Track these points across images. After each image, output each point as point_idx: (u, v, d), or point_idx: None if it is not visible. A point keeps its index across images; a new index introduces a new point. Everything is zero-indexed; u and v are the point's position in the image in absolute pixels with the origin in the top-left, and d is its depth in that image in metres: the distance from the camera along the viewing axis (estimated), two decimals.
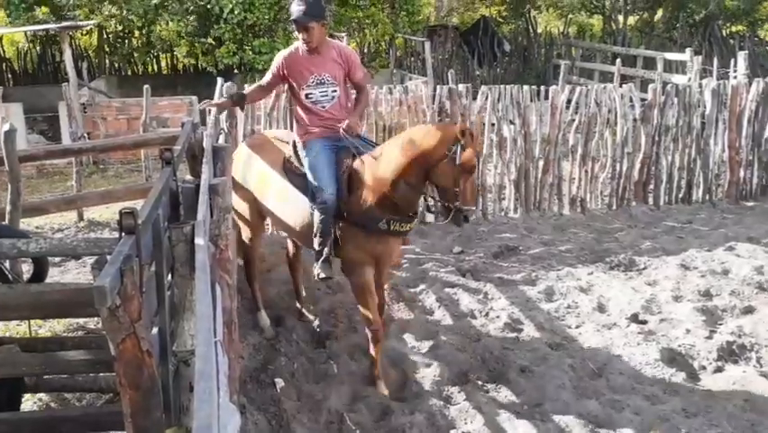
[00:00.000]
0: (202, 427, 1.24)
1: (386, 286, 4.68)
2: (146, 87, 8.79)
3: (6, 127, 5.18)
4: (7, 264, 3.93)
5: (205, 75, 14.02)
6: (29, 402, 3.86)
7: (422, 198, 4.23)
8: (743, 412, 3.82)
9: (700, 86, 8.51)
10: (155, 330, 2.39)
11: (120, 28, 15.82)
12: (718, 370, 4.32)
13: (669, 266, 6.06)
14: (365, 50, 17.08)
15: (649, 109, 8.05)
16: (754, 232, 7.16)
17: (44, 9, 13.36)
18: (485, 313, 5.19)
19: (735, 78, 9.88)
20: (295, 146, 4.43)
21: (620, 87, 8.47)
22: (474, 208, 4.16)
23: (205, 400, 1.32)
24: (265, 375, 4.20)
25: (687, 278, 5.77)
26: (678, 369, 4.30)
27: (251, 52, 12.39)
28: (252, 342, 4.59)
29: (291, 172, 4.39)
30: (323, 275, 4.15)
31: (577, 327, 4.98)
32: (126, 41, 16.55)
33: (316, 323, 5.01)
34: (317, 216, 4.08)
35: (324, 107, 4.29)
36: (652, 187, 8.35)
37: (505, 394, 4.08)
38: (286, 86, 4.55)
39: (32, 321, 4.52)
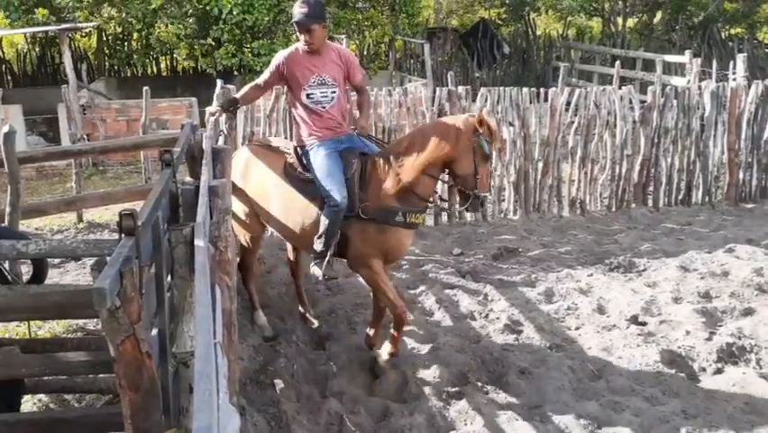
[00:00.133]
0: (201, 428, 1.24)
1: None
2: (146, 88, 8.79)
3: (6, 129, 5.19)
4: (7, 266, 3.93)
5: (204, 77, 14.04)
6: (28, 403, 3.86)
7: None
8: (743, 414, 3.82)
9: (700, 88, 8.52)
10: (155, 332, 2.39)
11: (119, 30, 15.85)
12: (718, 371, 4.31)
13: (668, 268, 6.06)
14: (365, 52, 17.10)
15: (648, 111, 8.05)
16: (754, 234, 7.16)
17: (43, 11, 13.35)
18: (485, 315, 5.19)
19: (734, 80, 9.89)
20: (297, 151, 4.44)
21: (619, 89, 8.48)
22: (490, 194, 4.33)
23: (204, 402, 1.32)
24: (265, 377, 4.20)
25: (686, 280, 5.78)
26: (678, 370, 4.30)
27: (249, 54, 12.40)
28: (252, 343, 4.59)
29: (294, 177, 4.39)
30: (327, 275, 4.21)
31: (577, 328, 4.98)
32: (125, 43, 16.57)
33: (315, 325, 5.00)
34: (327, 218, 4.11)
35: (324, 108, 4.33)
36: (651, 189, 8.36)
37: (504, 396, 4.08)
38: (285, 87, 4.58)
39: (32, 322, 4.52)
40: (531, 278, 5.92)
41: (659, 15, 20.33)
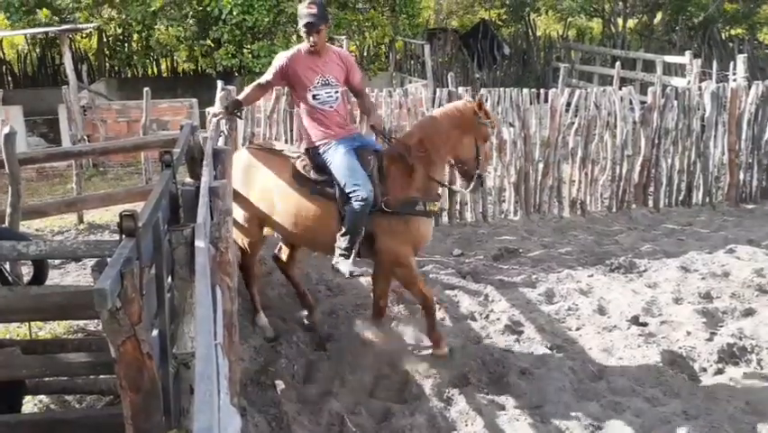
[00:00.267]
0: (202, 429, 1.24)
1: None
2: (146, 89, 8.80)
3: (6, 130, 5.19)
4: (7, 267, 3.93)
5: (205, 77, 14.04)
6: (29, 404, 3.86)
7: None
8: (744, 414, 3.81)
9: (700, 89, 8.51)
10: (155, 333, 2.39)
11: (119, 31, 15.86)
12: (719, 372, 4.31)
13: (669, 268, 6.06)
14: (365, 54, 17.10)
15: (649, 112, 8.05)
16: (754, 234, 7.16)
17: (47, 12, 13.37)
18: (485, 315, 5.19)
19: (734, 80, 9.89)
20: (309, 153, 4.44)
21: (620, 89, 8.48)
22: (489, 172, 4.39)
23: (205, 403, 1.32)
24: (265, 377, 4.20)
25: (687, 280, 5.77)
26: (678, 371, 4.30)
27: (249, 55, 12.41)
28: (253, 344, 4.59)
29: (306, 180, 4.39)
30: (355, 272, 4.27)
31: (577, 329, 4.98)
32: (126, 44, 16.57)
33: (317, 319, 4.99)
34: (353, 214, 4.15)
35: (332, 108, 4.40)
36: (652, 189, 8.36)
37: (505, 396, 4.07)
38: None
39: (33, 323, 4.51)
40: (531, 278, 5.92)
41: (659, 16, 20.32)
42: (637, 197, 8.23)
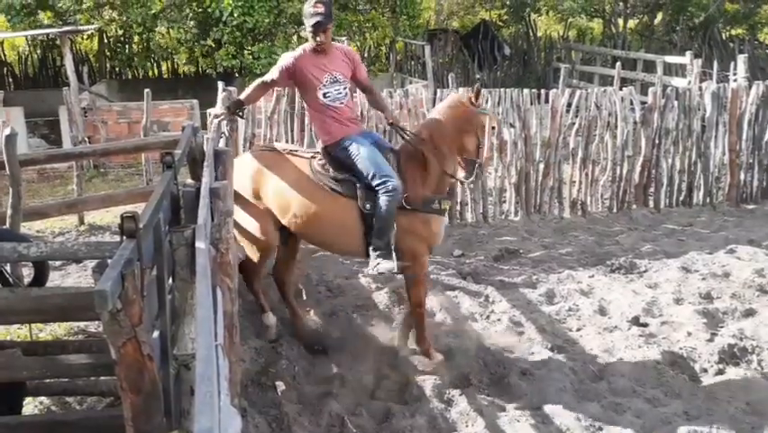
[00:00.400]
0: (203, 430, 1.24)
1: None
2: (147, 91, 8.80)
3: (7, 131, 5.19)
4: (8, 268, 3.93)
5: (205, 79, 14.06)
6: (30, 406, 3.86)
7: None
8: (744, 415, 3.82)
9: (700, 89, 8.51)
10: (156, 334, 2.39)
11: (120, 33, 15.87)
12: (720, 372, 4.31)
13: (670, 269, 6.06)
14: (365, 54, 17.11)
15: (649, 112, 8.05)
16: (755, 235, 7.16)
17: (48, 14, 13.39)
18: (486, 316, 5.19)
19: (735, 81, 9.88)
20: (326, 151, 4.42)
21: (620, 90, 8.48)
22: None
23: (205, 404, 1.32)
24: (266, 378, 4.20)
25: (688, 281, 5.77)
26: (679, 372, 4.29)
27: (250, 57, 12.41)
28: (253, 345, 4.58)
29: (325, 179, 4.34)
30: (393, 269, 4.24)
31: (578, 329, 4.98)
32: (127, 45, 16.59)
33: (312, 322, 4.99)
34: (383, 207, 4.14)
35: (342, 103, 4.41)
36: (652, 190, 8.36)
37: (506, 397, 4.08)
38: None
39: (33, 325, 4.52)
40: (532, 279, 5.92)
41: (660, 16, 20.32)
42: (638, 197, 8.23)
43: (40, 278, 3.81)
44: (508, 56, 19.37)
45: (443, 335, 4.83)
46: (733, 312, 5.13)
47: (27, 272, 4.86)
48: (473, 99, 4.41)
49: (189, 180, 4.07)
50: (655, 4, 19.53)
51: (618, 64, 14.18)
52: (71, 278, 6.08)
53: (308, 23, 4.27)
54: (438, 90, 7.59)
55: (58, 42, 14.81)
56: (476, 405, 3.91)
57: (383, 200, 4.14)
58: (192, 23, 13.04)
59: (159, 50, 13.77)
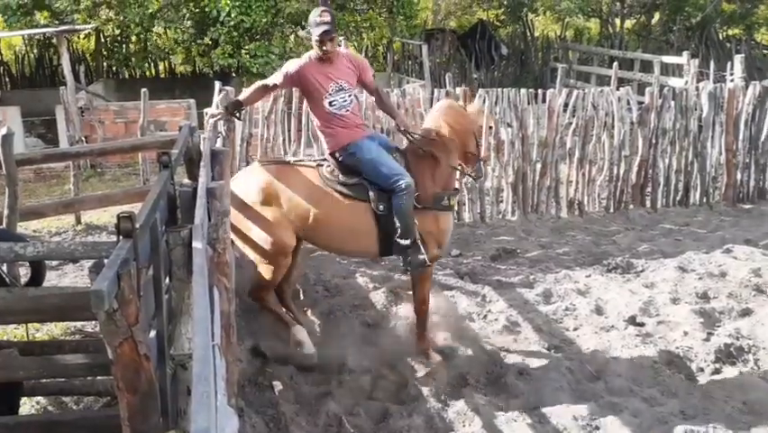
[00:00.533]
0: (200, 430, 1.24)
1: None
2: (144, 90, 8.79)
3: (4, 131, 5.18)
4: (5, 268, 3.92)
5: (202, 78, 14.05)
6: (27, 406, 3.86)
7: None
8: (741, 414, 3.82)
9: (697, 89, 8.53)
10: (153, 334, 2.39)
11: (117, 32, 15.85)
12: (716, 372, 4.32)
13: (666, 268, 6.07)
14: (363, 54, 17.11)
15: (646, 112, 8.06)
16: (751, 234, 7.17)
17: (45, 13, 13.36)
18: (483, 316, 5.19)
19: (731, 81, 9.91)
20: (335, 156, 4.41)
21: (617, 90, 8.49)
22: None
23: (202, 404, 1.32)
24: (263, 378, 4.19)
25: (684, 280, 5.78)
26: (676, 371, 4.30)
27: (247, 56, 12.41)
28: (250, 345, 4.58)
29: (336, 185, 4.35)
30: (426, 262, 4.32)
31: (575, 329, 4.98)
32: (124, 45, 16.57)
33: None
34: (401, 204, 4.20)
35: (348, 110, 4.42)
36: (649, 190, 8.36)
37: (503, 397, 4.08)
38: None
39: (30, 325, 4.51)
40: (529, 279, 5.92)
41: (657, 16, 20.34)
42: (635, 197, 8.24)
43: (36, 278, 3.80)
44: (506, 56, 19.38)
45: (440, 334, 4.84)
46: (729, 312, 5.14)
47: (24, 272, 4.85)
48: (470, 99, 4.52)
49: (186, 180, 4.07)
50: (652, 4, 19.55)
51: (615, 64, 14.19)
52: (68, 278, 6.07)
53: (315, 31, 4.26)
54: (435, 90, 7.59)
55: (54, 42, 14.77)
56: (473, 405, 3.91)
57: (399, 199, 4.21)
58: (189, 22, 13.02)
59: (156, 49, 13.74)
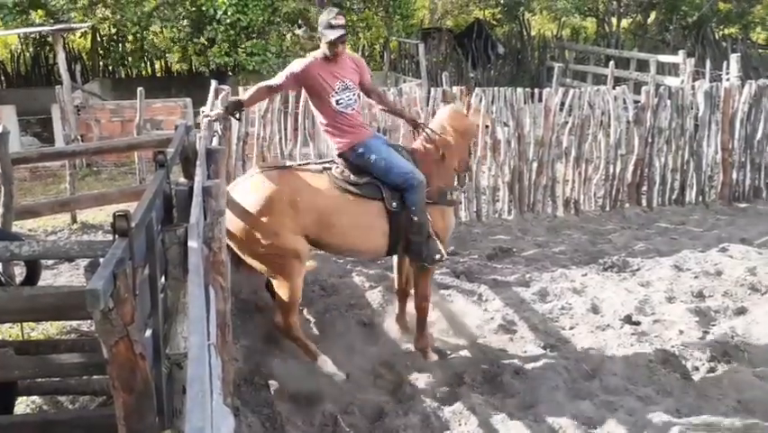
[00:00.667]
0: (195, 429, 1.25)
1: None
2: (140, 89, 8.78)
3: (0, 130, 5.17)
4: (0, 267, 3.92)
5: (198, 77, 14.02)
6: (22, 405, 3.85)
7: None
8: (736, 413, 3.83)
9: (693, 88, 8.54)
10: (148, 333, 2.39)
11: (113, 31, 15.82)
12: (711, 370, 4.33)
13: (662, 267, 6.08)
14: (359, 54, 17.10)
15: (642, 111, 8.07)
16: (747, 233, 7.19)
17: (41, 12, 13.31)
18: (479, 315, 5.19)
19: (727, 80, 9.92)
20: (345, 156, 4.39)
21: (613, 89, 8.50)
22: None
23: (198, 403, 1.32)
24: (259, 377, 4.19)
25: (680, 279, 5.79)
26: (671, 370, 4.31)
27: (243, 54, 12.39)
28: (246, 344, 4.58)
29: (347, 185, 4.31)
30: (444, 255, 4.42)
31: (571, 328, 4.99)
32: (120, 44, 16.54)
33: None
34: (415, 201, 4.28)
35: (353, 109, 4.45)
36: (645, 188, 8.38)
37: (499, 396, 4.08)
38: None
39: (25, 324, 4.50)
40: (525, 278, 5.93)
41: (653, 16, 20.37)
42: (631, 196, 8.26)
43: (32, 277, 3.80)
44: (502, 55, 19.38)
45: (436, 332, 4.84)
46: (725, 310, 5.15)
47: (19, 271, 4.84)
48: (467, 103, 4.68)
49: (182, 179, 4.07)
50: (649, 3, 19.58)
51: (612, 63, 14.20)
52: (63, 277, 6.06)
53: (331, 34, 4.23)
54: (432, 89, 7.59)
55: (50, 40, 14.73)
56: (469, 404, 3.91)
57: (413, 196, 4.27)
58: (185, 21, 12.99)
59: (152, 48, 13.71)
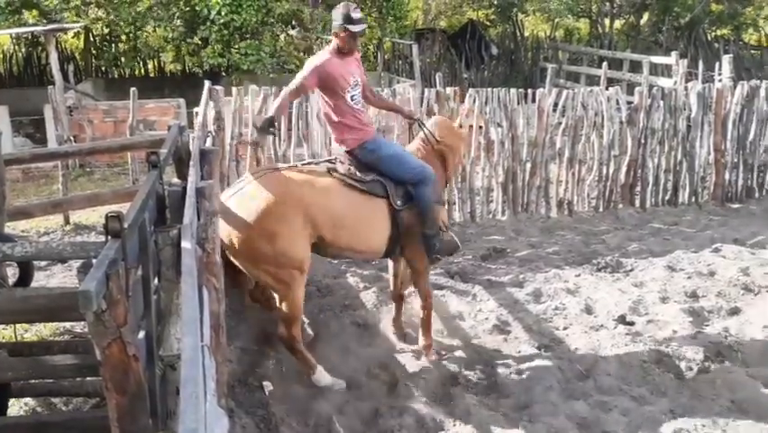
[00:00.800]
0: (188, 431, 1.24)
1: None
2: (133, 89, 8.75)
3: None
4: None
5: (192, 77, 14.00)
6: (15, 407, 3.83)
7: None
8: (729, 412, 3.84)
9: (686, 89, 8.57)
10: (141, 334, 2.38)
11: (106, 31, 15.78)
12: (705, 370, 4.34)
13: (655, 268, 6.10)
14: None
15: (635, 112, 8.10)
16: (740, 234, 7.22)
17: (33, 12, 13.27)
18: (473, 315, 5.20)
19: (720, 81, 9.96)
20: (354, 154, 4.35)
21: (607, 90, 8.52)
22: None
23: (191, 405, 1.32)
24: (253, 379, 4.18)
25: (673, 279, 5.81)
26: (665, 370, 4.32)
27: (237, 54, 12.38)
28: (240, 345, 4.57)
29: (357, 182, 4.27)
30: (459, 245, 4.56)
31: (565, 328, 5.00)
32: (113, 44, 16.49)
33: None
34: (425, 195, 4.31)
35: (363, 106, 4.53)
36: (638, 189, 8.40)
37: (493, 396, 4.09)
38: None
39: (18, 325, 4.48)
40: (519, 278, 5.94)
41: (646, 17, 20.44)
42: (624, 196, 8.28)
43: (24, 278, 3.78)
44: (496, 56, 19.42)
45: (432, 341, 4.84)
46: (718, 311, 5.17)
47: (12, 273, 4.82)
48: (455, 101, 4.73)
49: (175, 180, 4.05)
50: (642, 4, 19.65)
51: (605, 64, 14.25)
52: (56, 278, 6.03)
53: (355, 27, 4.18)
54: (426, 90, 7.59)
55: (43, 41, 14.69)
56: (464, 404, 3.92)
57: (424, 189, 4.32)
58: (179, 21, 12.96)
59: (145, 48, 13.68)
